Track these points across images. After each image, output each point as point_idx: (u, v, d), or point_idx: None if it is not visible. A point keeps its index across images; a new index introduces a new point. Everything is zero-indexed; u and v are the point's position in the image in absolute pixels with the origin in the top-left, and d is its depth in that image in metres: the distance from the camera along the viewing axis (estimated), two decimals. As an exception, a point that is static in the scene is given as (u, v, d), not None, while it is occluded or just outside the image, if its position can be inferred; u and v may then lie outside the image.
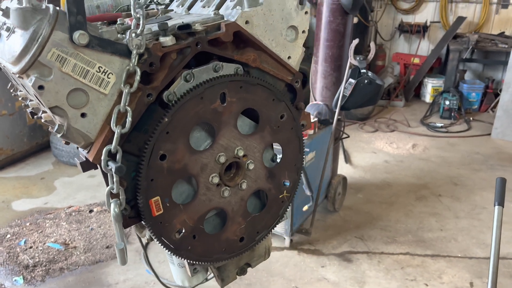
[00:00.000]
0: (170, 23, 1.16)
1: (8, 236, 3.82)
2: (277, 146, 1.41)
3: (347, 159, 5.35)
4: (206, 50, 1.18)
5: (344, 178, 4.26)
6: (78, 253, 3.60)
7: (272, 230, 1.49)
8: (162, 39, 1.10)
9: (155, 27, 1.15)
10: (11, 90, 1.43)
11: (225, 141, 1.25)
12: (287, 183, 1.44)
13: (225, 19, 1.24)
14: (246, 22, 1.22)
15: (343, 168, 5.02)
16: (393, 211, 4.26)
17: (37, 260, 3.49)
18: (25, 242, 3.72)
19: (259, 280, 3.30)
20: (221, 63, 1.21)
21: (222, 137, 1.24)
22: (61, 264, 3.46)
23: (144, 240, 1.50)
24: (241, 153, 1.29)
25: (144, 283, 3.26)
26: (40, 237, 3.79)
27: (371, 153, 5.67)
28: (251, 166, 1.33)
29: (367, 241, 3.78)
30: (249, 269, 1.58)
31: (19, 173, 5.11)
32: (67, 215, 4.15)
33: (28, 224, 4.00)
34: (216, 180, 1.26)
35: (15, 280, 3.29)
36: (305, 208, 3.58)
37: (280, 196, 1.44)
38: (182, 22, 1.16)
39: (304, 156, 1.46)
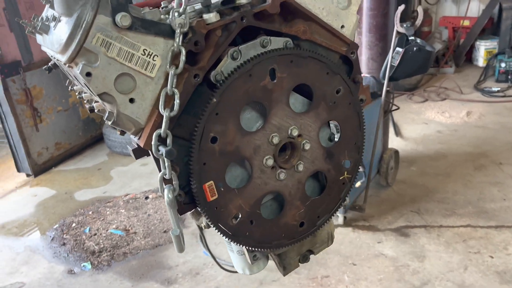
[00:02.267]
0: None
1: (74, 224, 4.05)
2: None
3: (398, 132, 5.17)
4: (252, 25, 1.12)
5: (396, 152, 4.13)
6: (139, 238, 3.76)
7: (334, 214, 1.41)
8: (205, 16, 1.07)
9: (198, 6, 1.11)
10: (69, 87, 1.46)
11: (277, 120, 1.19)
12: (348, 163, 1.36)
13: None
14: None
15: (393, 141, 4.86)
16: (450, 183, 4.09)
17: (102, 246, 3.69)
18: (89, 230, 3.93)
19: (315, 258, 3.28)
20: (268, 38, 1.15)
21: (274, 116, 1.18)
22: (124, 249, 3.63)
23: (202, 226, 1.48)
24: (295, 133, 1.22)
25: (202, 265, 3.36)
26: (103, 225, 3.99)
27: (422, 124, 5.45)
28: (307, 146, 1.26)
29: (424, 215, 3.66)
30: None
31: (78, 165, 5.38)
32: (125, 203, 4.33)
33: (90, 212, 4.22)
34: (270, 162, 1.21)
35: (83, 265, 3.49)
36: (358, 184, 3.51)
37: (340, 178, 1.36)
38: None
39: (364, 133, 1.37)
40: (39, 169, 5.19)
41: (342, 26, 1.26)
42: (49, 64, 1.44)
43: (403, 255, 3.24)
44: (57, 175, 5.18)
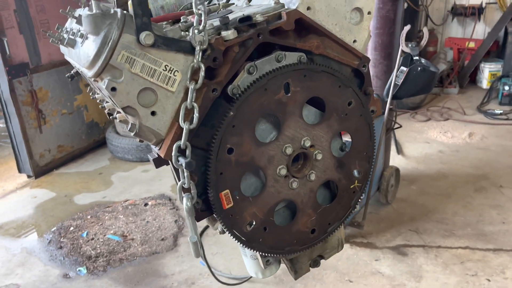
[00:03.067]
0: (231, 16, 1.17)
1: (72, 228, 4.05)
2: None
3: (399, 150, 5.18)
4: (268, 41, 1.17)
5: (397, 170, 4.14)
6: (136, 244, 3.76)
7: (344, 221, 1.46)
8: (224, 33, 1.12)
9: (216, 22, 1.16)
10: (90, 94, 1.52)
11: (291, 132, 1.24)
12: (358, 173, 1.41)
13: (286, 7, 1.22)
14: (308, 8, 1.20)
15: (395, 159, 4.87)
16: (450, 203, 4.08)
17: (98, 251, 3.68)
18: (87, 234, 3.93)
19: (311, 273, 3.28)
20: (283, 53, 1.20)
21: (287, 128, 1.23)
22: (121, 255, 3.63)
23: (216, 232, 1.53)
24: (308, 144, 1.27)
25: (198, 275, 3.35)
26: (101, 229, 3.99)
27: (424, 143, 5.46)
28: (319, 156, 1.31)
29: (422, 234, 3.65)
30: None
31: (79, 169, 5.40)
32: (124, 208, 4.34)
33: (89, 217, 4.22)
34: (283, 171, 1.26)
35: (79, 270, 3.49)
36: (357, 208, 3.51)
37: (351, 186, 1.41)
38: (243, 14, 1.16)
39: (375, 144, 1.42)
40: (40, 171, 5.21)
41: (355, 41, 1.30)
42: (72, 72, 1.52)
43: (400, 274, 3.23)
44: (58, 178, 5.20)
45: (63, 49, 1.28)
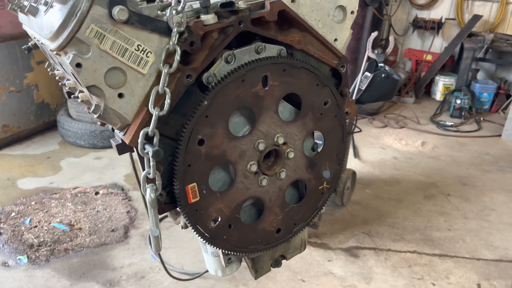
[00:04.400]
0: (212, 0, 1.10)
1: (13, 214, 3.79)
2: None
3: (356, 154, 5.29)
4: (249, 30, 1.12)
5: (354, 173, 4.21)
6: (83, 234, 3.58)
7: (310, 222, 1.44)
8: (203, 17, 1.05)
9: (196, 5, 1.09)
10: (48, 69, 1.39)
11: (265, 127, 1.20)
12: (328, 174, 1.39)
13: None
14: (292, 1, 1.16)
15: (351, 163, 4.97)
16: (402, 208, 4.21)
17: (41, 239, 3.47)
18: (30, 221, 3.69)
19: (265, 271, 3.27)
20: (263, 44, 1.16)
21: (262, 123, 1.19)
22: (66, 245, 3.44)
23: (169, 225, 1.45)
24: (281, 141, 1.24)
25: (149, 268, 3.24)
26: (45, 217, 3.77)
27: (380, 148, 5.61)
28: (291, 155, 1.28)
29: (374, 237, 3.74)
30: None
31: (25, 151, 5.07)
32: (72, 196, 4.12)
33: (33, 203, 3.97)
34: (254, 168, 1.22)
35: (19, 259, 3.26)
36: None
37: (319, 187, 1.39)
38: None
39: (346, 146, 1.41)
40: (-19, 151, 4.85)
41: (336, 39, 1.28)
42: (29, 44, 1.39)
43: (351, 276, 3.28)
44: (1, 160, 4.85)
45: (22, 17, 1.16)
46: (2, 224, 3.65)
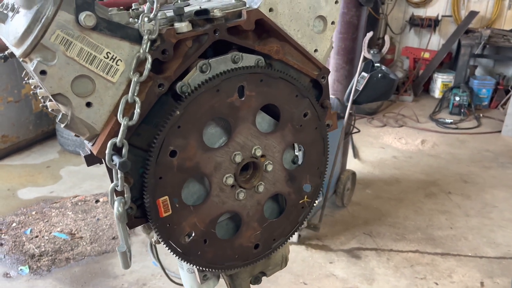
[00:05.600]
0: (187, 9, 1.08)
1: (14, 224, 3.79)
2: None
3: (356, 154, 5.28)
4: (225, 39, 1.09)
5: (353, 174, 4.20)
6: (84, 243, 3.57)
7: (290, 238, 1.39)
8: (177, 25, 1.03)
9: (170, 13, 1.07)
10: (25, 78, 1.37)
11: (242, 139, 1.16)
12: (308, 187, 1.34)
13: (247, 5, 1.15)
14: (270, 10, 1.13)
15: (351, 163, 4.96)
16: (402, 208, 4.20)
17: (43, 249, 3.46)
18: (31, 231, 3.69)
19: (266, 275, 3.26)
20: (240, 54, 1.13)
21: (238, 134, 1.15)
22: (67, 254, 3.43)
23: (152, 242, 1.42)
24: (259, 153, 1.20)
25: (150, 275, 3.23)
26: (46, 226, 3.76)
27: (380, 148, 5.60)
28: (270, 168, 1.23)
29: (375, 238, 3.73)
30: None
31: (25, 161, 5.07)
32: (73, 205, 4.12)
33: (34, 213, 3.97)
34: (230, 181, 1.17)
35: (21, 269, 3.26)
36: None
37: (300, 202, 1.34)
38: (200, 7, 1.08)
39: (327, 159, 1.36)
40: (-19, 162, 4.85)
41: (316, 50, 1.26)
42: (6, 52, 1.36)
43: (353, 277, 3.27)
44: (1, 170, 4.85)
45: None
46: (3, 235, 3.65)
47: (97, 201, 4.18)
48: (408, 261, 3.46)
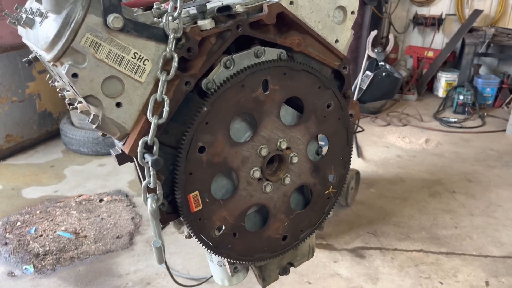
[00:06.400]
0: (209, 5, 1.09)
1: (18, 223, 3.80)
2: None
3: (360, 153, 5.27)
4: (247, 34, 1.11)
5: (357, 173, 4.19)
6: (89, 242, 3.58)
7: (317, 228, 1.41)
8: (200, 22, 1.04)
9: (193, 11, 1.08)
10: (49, 82, 1.39)
11: (267, 132, 1.18)
12: (333, 178, 1.36)
13: (268, 0, 1.16)
14: (291, 3, 1.14)
15: (355, 162, 4.95)
16: (407, 207, 4.19)
17: (47, 248, 3.47)
18: (35, 230, 3.70)
19: (271, 274, 3.26)
20: (263, 48, 1.14)
21: (264, 128, 1.17)
22: (72, 253, 3.44)
23: (174, 230, 1.44)
24: (284, 146, 1.21)
25: (154, 274, 3.24)
26: (51, 226, 3.77)
27: (383, 147, 5.59)
28: (295, 160, 1.25)
29: (380, 237, 3.72)
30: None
31: (29, 161, 5.09)
32: (77, 204, 4.13)
33: (38, 212, 3.98)
34: (257, 174, 1.20)
35: (25, 268, 3.27)
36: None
37: (325, 192, 1.36)
38: (222, 3, 1.09)
39: (352, 149, 1.37)
40: (-15, 161, 4.87)
41: (337, 41, 1.26)
42: (30, 56, 1.39)
43: (357, 276, 3.26)
44: (5, 169, 4.87)
45: (21, 30, 1.15)
46: (7, 234, 3.66)
47: (101, 200, 4.19)
48: (413, 260, 3.45)
